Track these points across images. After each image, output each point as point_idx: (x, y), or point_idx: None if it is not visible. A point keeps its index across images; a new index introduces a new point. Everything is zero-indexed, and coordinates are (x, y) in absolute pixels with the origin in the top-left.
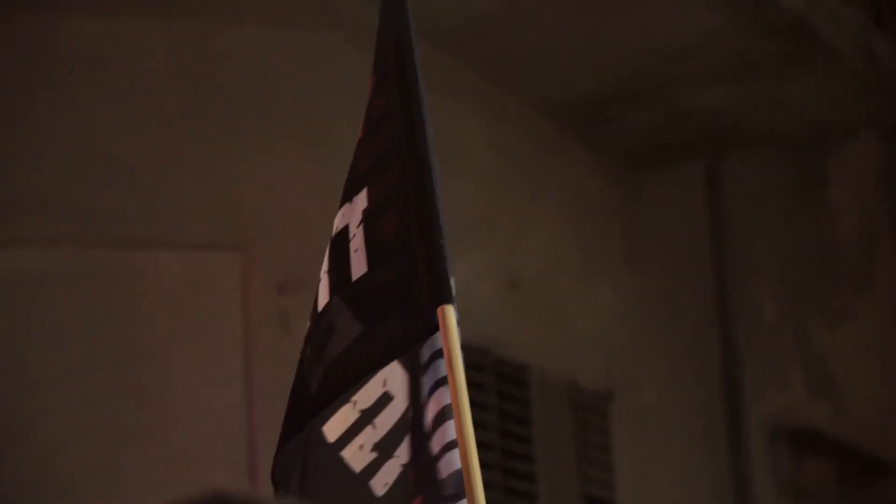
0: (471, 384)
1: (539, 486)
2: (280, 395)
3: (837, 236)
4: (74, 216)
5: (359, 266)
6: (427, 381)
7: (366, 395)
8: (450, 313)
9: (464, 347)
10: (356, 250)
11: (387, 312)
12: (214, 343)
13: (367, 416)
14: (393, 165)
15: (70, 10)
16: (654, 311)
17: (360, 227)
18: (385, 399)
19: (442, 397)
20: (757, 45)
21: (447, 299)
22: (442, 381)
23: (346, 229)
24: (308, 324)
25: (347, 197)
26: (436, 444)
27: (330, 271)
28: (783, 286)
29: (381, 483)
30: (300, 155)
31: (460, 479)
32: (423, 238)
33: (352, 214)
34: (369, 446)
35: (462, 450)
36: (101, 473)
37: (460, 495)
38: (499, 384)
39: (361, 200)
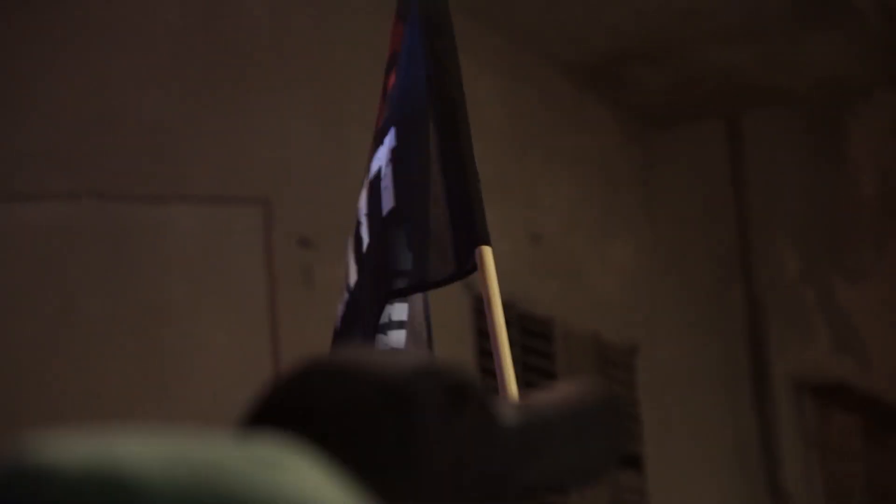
0: None
1: None
2: (304, 349)
3: (857, 192)
4: (94, 171)
5: (388, 201)
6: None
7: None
8: (488, 255)
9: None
10: (385, 188)
11: (417, 248)
12: (236, 298)
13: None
14: (418, 103)
15: None
16: (675, 266)
17: (390, 166)
18: (397, 326)
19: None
20: (773, 2)
21: (485, 240)
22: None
23: (378, 172)
24: (348, 264)
25: (379, 139)
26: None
27: (370, 214)
28: (804, 242)
29: None
30: (317, 109)
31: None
32: (458, 178)
33: (383, 156)
34: None
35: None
36: None
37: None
38: (523, 338)
39: (390, 140)
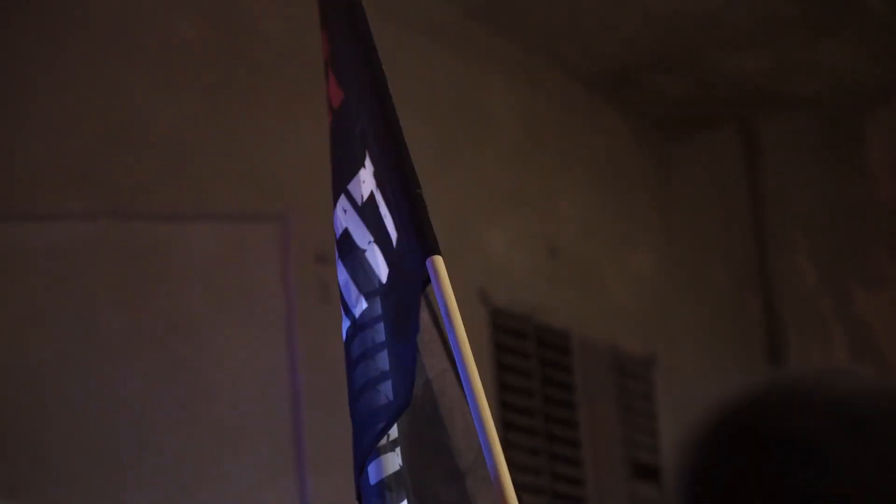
0: (513, 351)
1: (583, 452)
2: (321, 365)
3: (875, 199)
4: (112, 189)
5: (391, 230)
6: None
7: None
8: (440, 264)
9: (505, 314)
10: (385, 216)
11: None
12: (254, 314)
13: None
14: (362, 122)
15: None
16: (692, 276)
17: (378, 190)
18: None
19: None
20: (787, 7)
21: (434, 249)
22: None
23: (372, 195)
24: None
25: (360, 161)
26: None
27: (377, 241)
28: (822, 250)
29: (375, 473)
30: None
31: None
32: (403, 191)
33: (371, 179)
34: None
35: (476, 408)
36: (138, 447)
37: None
38: (540, 351)
39: (370, 164)
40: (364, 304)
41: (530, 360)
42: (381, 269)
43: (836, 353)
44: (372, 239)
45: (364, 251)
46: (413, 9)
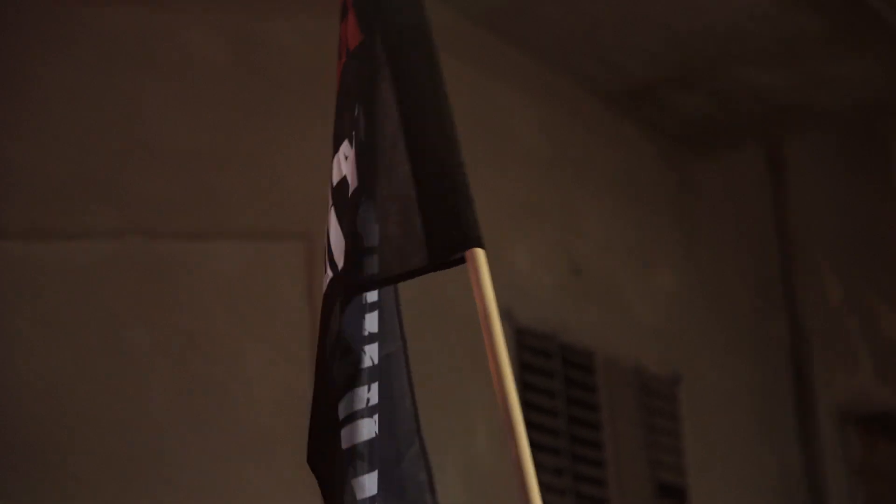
0: (537, 371)
1: (608, 472)
2: None
3: None
4: (134, 207)
5: (352, 182)
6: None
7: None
8: (481, 258)
9: (529, 333)
10: (349, 169)
11: (382, 233)
12: (279, 332)
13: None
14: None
15: (126, 0)
16: (717, 294)
17: (353, 143)
18: (369, 339)
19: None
20: (810, 23)
21: (477, 241)
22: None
23: (343, 180)
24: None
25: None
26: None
27: (336, 204)
28: (847, 269)
29: (347, 438)
30: None
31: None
32: (439, 171)
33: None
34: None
35: (507, 423)
36: (162, 463)
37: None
38: (565, 370)
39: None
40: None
41: (554, 379)
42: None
43: (861, 373)
44: (362, 187)
45: (359, 205)
46: (434, 23)
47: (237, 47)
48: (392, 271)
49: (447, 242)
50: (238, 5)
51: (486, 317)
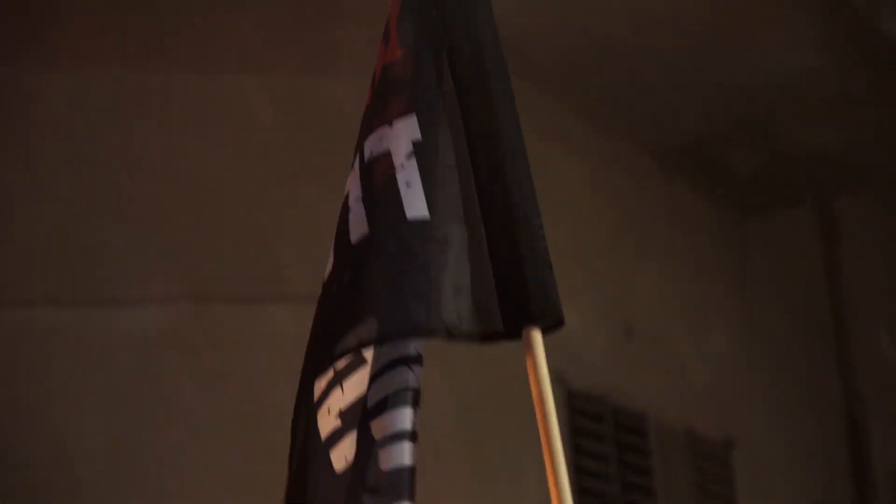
0: (589, 435)
1: None
2: None
3: None
4: (191, 273)
5: (359, 226)
6: (384, 356)
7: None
8: (538, 339)
9: (582, 396)
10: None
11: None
12: None
13: (338, 377)
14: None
15: (175, 66)
16: (771, 356)
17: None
18: (357, 361)
19: (397, 378)
20: (861, 81)
21: (555, 312)
22: (403, 360)
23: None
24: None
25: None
26: (377, 429)
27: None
28: None
29: (341, 457)
30: None
31: (403, 479)
32: (521, 231)
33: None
34: (335, 411)
35: (553, 493)
36: None
37: (399, 495)
38: (617, 434)
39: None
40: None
41: (607, 443)
42: (357, 228)
43: None
44: (360, 195)
45: (349, 210)
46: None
47: (289, 108)
48: (458, 329)
49: (526, 312)
50: (289, 65)
51: (542, 402)
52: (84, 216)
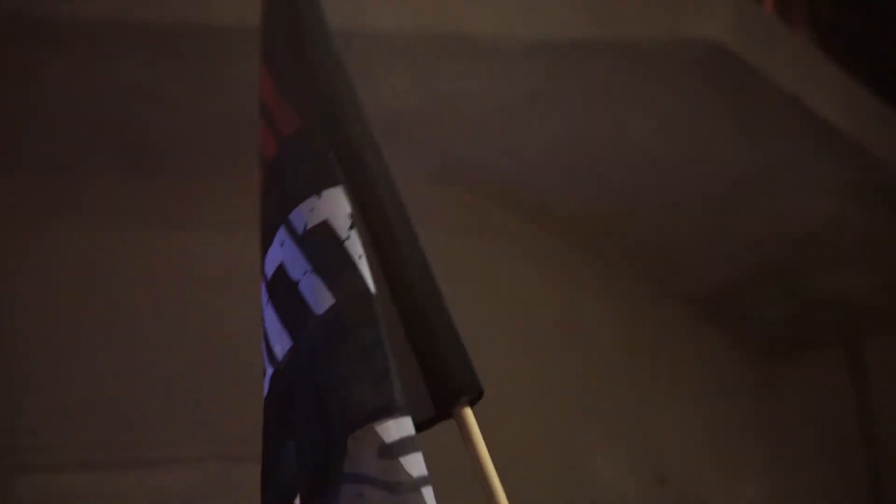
0: None
1: None
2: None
3: None
4: (218, 433)
5: (322, 298)
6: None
7: None
8: (469, 416)
9: None
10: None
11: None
12: None
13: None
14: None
15: (201, 226)
16: (802, 501)
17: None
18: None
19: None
20: (888, 226)
21: (471, 388)
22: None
23: (325, 223)
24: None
25: (315, 188)
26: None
27: (316, 269)
28: None
29: None
30: None
31: None
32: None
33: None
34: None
35: None
36: None
37: None
38: None
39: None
40: (287, 343)
41: None
42: (319, 299)
43: None
44: (310, 268)
45: (297, 283)
46: (506, 233)
47: None
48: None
49: (446, 393)
50: None
51: (486, 479)
52: (108, 376)
